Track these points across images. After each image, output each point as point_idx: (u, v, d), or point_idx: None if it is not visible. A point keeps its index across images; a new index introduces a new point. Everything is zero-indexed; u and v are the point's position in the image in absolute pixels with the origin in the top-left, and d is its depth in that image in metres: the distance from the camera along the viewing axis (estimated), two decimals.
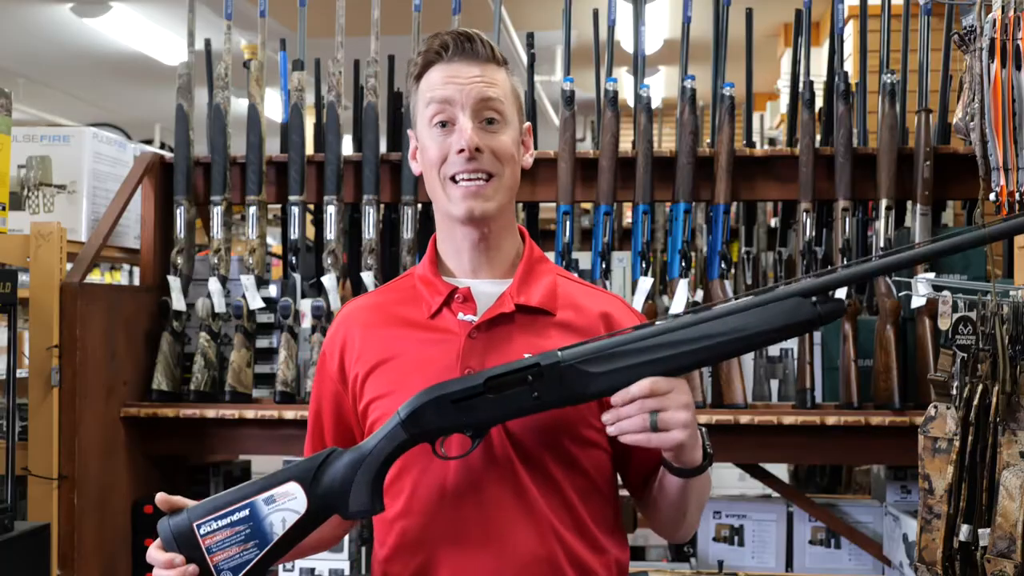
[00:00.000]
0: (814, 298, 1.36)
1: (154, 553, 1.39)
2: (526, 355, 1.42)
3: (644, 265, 2.63)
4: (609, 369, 1.36)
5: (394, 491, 1.48)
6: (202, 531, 1.37)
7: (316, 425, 1.59)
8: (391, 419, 1.40)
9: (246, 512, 1.38)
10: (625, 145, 2.65)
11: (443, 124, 1.47)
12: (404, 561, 1.47)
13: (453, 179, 1.46)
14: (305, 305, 2.77)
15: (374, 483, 1.40)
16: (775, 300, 1.36)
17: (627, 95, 6.35)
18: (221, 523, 1.37)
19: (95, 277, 5.88)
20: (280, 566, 2.69)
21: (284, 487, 1.39)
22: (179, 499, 1.42)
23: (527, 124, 1.56)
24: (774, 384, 2.92)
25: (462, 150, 1.44)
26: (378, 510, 1.42)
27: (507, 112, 1.49)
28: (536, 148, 1.58)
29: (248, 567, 1.37)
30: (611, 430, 1.37)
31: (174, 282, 2.71)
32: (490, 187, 1.46)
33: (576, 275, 1.75)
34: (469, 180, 1.46)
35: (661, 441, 1.35)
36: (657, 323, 1.39)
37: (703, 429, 1.42)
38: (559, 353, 1.38)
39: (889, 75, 2.60)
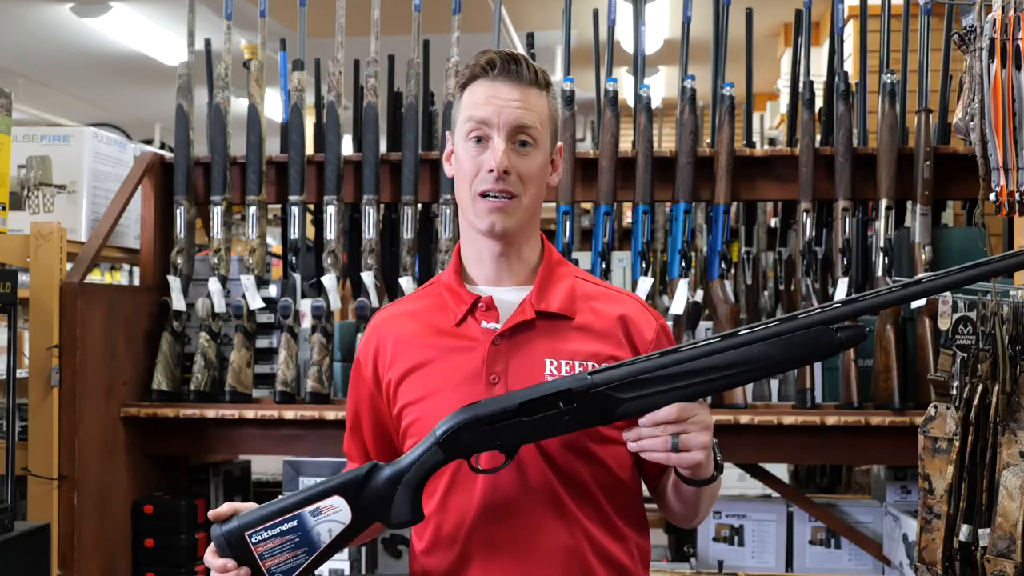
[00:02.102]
0: (835, 326, 1.40)
1: (210, 558, 1.47)
2: (547, 360, 1.52)
3: (644, 265, 2.63)
4: (638, 395, 1.41)
5: (430, 489, 1.54)
6: (254, 539, 1.46)
7: (355, 426, 1.66)
8: (427, 437, 1.47)
9: (294, 523, 1.46)
10: (625, 145, 2.65)
11: (478, 140, 1.54)
12: (441, 555, 1.55)
13: (481, 195, 1.53)
14: (305, 305, 2.77)
15: (414, 497, 1.48)
16: (798, 329, 1.40)
17: (627, 95, 6.35)
18: (271, 532, 1.46)
19: (95, 277, 5.88)
20: None
21: (329, 500, 1.47)
22: (226, 508, 1.49)
23: (559, 144, 1.62)
24: (774, 384, 2.92)
25: (492, 170, 1.51)
26: (419, 520, 1.49)
27: (540, 137, 1.55)
28: None
29: (299, 570, 1.46)
30: (632, 447, 1.43)
31: (174, 282, 2.71)
32: (512, 205, 1.53)
33: (596, 276, 1.79)
34: (495, 197, 1.52)
35: (680, 460, 1.41)
36: (684, 349, 1.43)
37: (715, 441, 1.47)
38: (589, 377, 1.43)
39: (889, 75, 2.60)
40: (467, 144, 1.55)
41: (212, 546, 1.47)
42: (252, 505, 1.49)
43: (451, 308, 1.58)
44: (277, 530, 1.46)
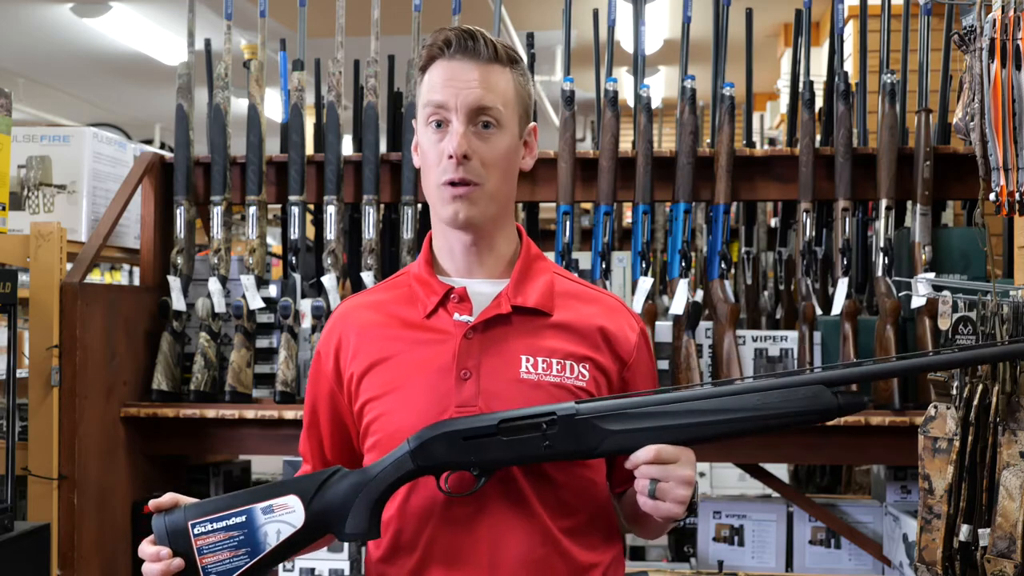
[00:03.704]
0: (836, 389, 1.39)
1: (145, 546, 1.39)
2: (523, 356, 1.44)
3: (644, 265, 2.63)
4: (623, 428, 1.38)
5: None
6: (196, 531, 1.37)
7: (312, 423, 1.58)
8: (399, 447, 1.40)
9: (243, 518, 1.37)
10: (625, 145, 2.64)
11: (438, 125, 1.45)
12: (400, 563, 1.46)
13: (444, 184, 1.45)
14: (305, 305, 2.77)
15: (374, 508, 1.40)
16: (797, 385, 1.39)
17: (627, 95, 6.35)
18: (216, 525, 1.37)
19: (95, 277, 5.88)
20: (280, 565, 2.69)
21: (284, 499, 1.39)
22: (168, 499, 1.42)
23: (532, 124, 1.53)
24: None
25: (451, 156, 1.43)
26: (373, 535, 1.42)
27: (505, 117, 1.46)
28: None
29: (235, 574, 1.37)
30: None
31: (174, 282, 2.71)
32: (475, 193, 1.44)
33: (575, 274, 1.75)
34: (455, 185, 1.44)
35: (655, 509, 1.36)
36: (676, 390, 1.41)
37: (697, 483, 1.43)
38: (576, 405, 1.39)
39: (889, 75, 2.60)
40: (428, 130, 1.46)
41: (152, 535, 1.39)
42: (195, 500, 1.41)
43: (421, 299, 1.49)
44: (223, 523, 1.36)
